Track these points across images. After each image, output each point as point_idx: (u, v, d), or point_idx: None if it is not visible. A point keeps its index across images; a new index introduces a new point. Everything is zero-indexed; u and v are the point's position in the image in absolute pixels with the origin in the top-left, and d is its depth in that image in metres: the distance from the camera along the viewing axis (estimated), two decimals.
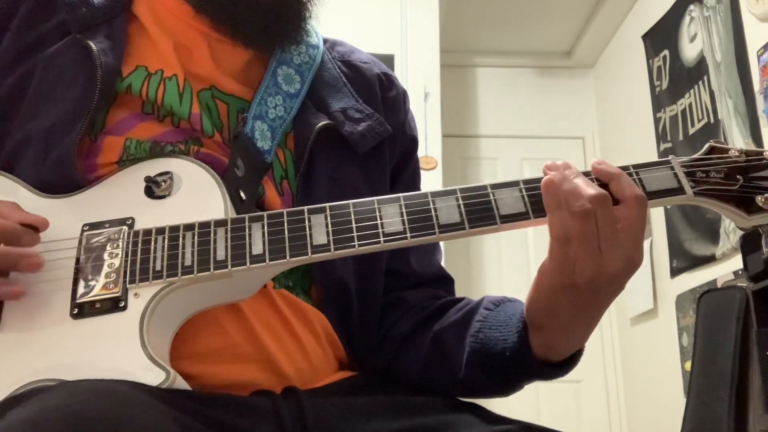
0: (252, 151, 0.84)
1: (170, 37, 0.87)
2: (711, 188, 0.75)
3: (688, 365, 2.87)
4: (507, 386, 0.83)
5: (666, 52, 3.52)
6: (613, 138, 4.23)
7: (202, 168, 0.79)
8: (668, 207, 3.34)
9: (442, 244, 1.03)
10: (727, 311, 2.25)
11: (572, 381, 4.02)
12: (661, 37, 3.58)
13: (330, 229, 0.73)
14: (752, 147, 0.77)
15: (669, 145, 3.45)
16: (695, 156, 0.77)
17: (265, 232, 0.73)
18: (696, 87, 3.23)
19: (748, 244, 2.12)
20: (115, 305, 0.71)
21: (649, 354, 3.66)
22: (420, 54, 3.48)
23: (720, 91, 3.04)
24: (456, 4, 4.00)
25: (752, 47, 2.82)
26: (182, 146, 0.82)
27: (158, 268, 0.72)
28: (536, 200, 0.74)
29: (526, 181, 0.75)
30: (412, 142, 1.02)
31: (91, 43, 0.82)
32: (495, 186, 0.76)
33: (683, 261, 3.26)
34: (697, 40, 3.25)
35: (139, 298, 0.71)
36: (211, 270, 0.71)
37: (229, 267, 0.71)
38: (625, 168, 0.76)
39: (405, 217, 0.74)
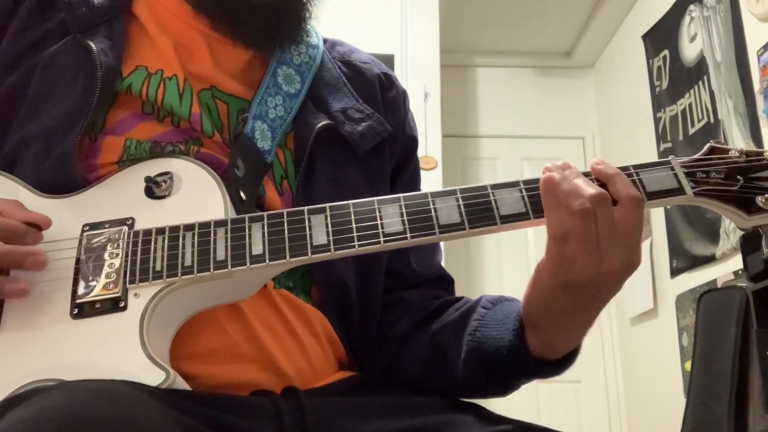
0: (252, 151, 0.84)
1: (170, 37, 0.87)
2: (711, 189, 0.75)
3: (688, 365, 2.87)
4: (505, 385, 0.83)
5: (666, 52, 3.52)
6: (613, 138, 4.23)
7: (202, 168, 0.79)
8: (668, 207, 3.34)
9: (442, 244, 1.03)
10: (727, 311, 2.25)
11: (572, 381, 4.03)
12: (661, 37, 3.58)
13: (330, 229, 0.73)
14: (752, 147, 0.77)
15: (669, 145, 3.45)
16: (695, 156, 0.77)
17: (265, 232, 0.73)
18: (696, 87, 3.23)
19: (748, 244, 2.12)
20: (115, 305, 0.71)
21: (649, 354, 3.66)
22: (420, 54, 3.48)
23: (720, 91, 3.04)
24: (456, 4, 4.00)
25: (752, 47, 2.82)
26: (182, 146, 0.82)
27: (158, 268, 0.72)
28: (536, 200, 0.74)
29: (527, 182, 0.75)
30: (412, 142, 1.02)
31: (91, 43, 0.82)
32: (495, 186, 0.76)
33: (683, 261, 3.26)
34: (697, 40, 3.25)
35: (139, 298, 0.71)
36: (211, 270, 0.71)
37: (229, 267, 0.71)
38: (625, 168, 0.76)
39: (405, 218, 0.74)
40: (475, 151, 4.41)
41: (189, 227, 0.74)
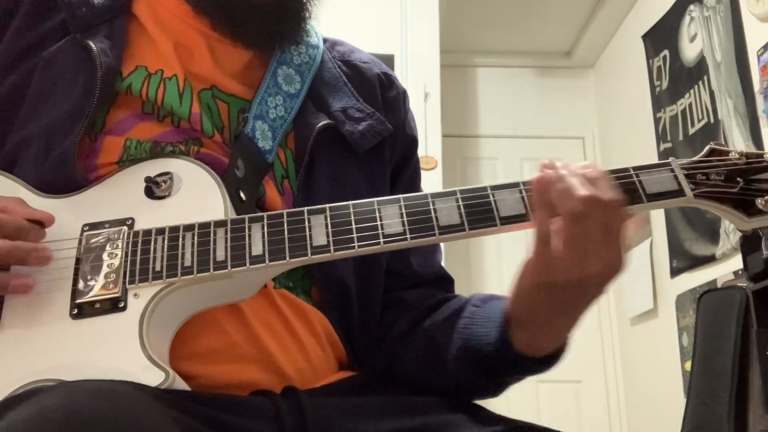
0: (253, 151, 0.84)
1: (170, 37, 0.87)
2: (711, 190, 0.75)
3: (688, 365, 2.87)
4: (494, 383, 0.83)
5: (666, 52, 3.52)
6: (613, 138, 4.23)
7: (202, 168, 0.79)
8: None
9: (442, 244, 1.03)
10: (727, 311, 2.25)
11: (572, 381, 4.02)
12: (661, 37, 3.58)
13: (330, 230, 0.73)
14: (752, 149, 0.77)
15: (669, 145, 3.45)
16: (695, 158, 0.77)
17: (265, 232, 0.73)
18: (696, 87, 3.23)
19: (748, 244, 2.12)
20: (114, 306, 0.71)
21: (649, 354, 3.66)
22: (420, 54, 3.48)
23: (720, 91, 3.04)
24: (456, 4, 4.00)
25: (752, 47, 2.82)
26: (182, 146, 0.82)
27: (158, 268, 0.72)
28: None
29: (527, 183, 0.75)
30: (412, 142, 1.02)
31: (91, 43, 0.82)
32: (495, 187, 0.75)
33: (683, 261, 3.26)
34: (697, 40, 3.25)
35: (139, 298, 0.71)
36: (211, 270, 0.71)
37: (229, 268, 0.71)
38: (625, 170, 0.76)
39: (405, 219, 0.74)
40: (475, 151, 4.41)
41: (189, 227, 0.74)
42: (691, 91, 3.27)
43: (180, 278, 0.71)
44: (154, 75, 0.84)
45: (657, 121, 3.59)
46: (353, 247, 0.72)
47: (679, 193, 0.75)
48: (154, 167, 0.79)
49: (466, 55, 4.47)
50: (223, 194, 0.77)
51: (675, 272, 3.35)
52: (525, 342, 0.76)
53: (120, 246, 0.74)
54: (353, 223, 0.74)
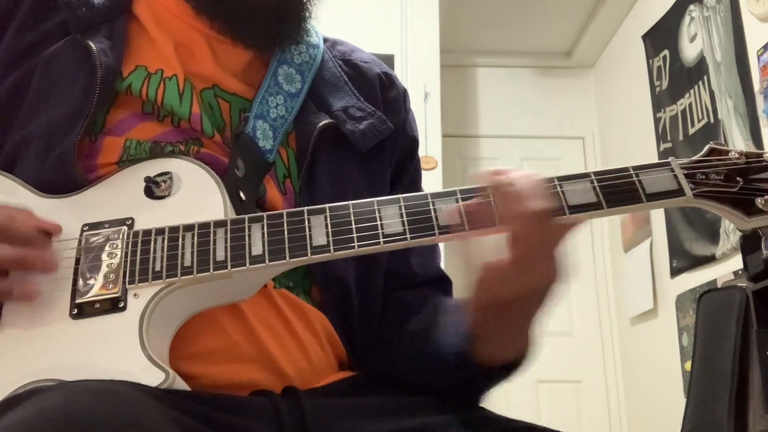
0: (253, 150, 0.84)
1: (171, 37, 0.87)
2: (711, 190, 0.75)
3: (688, 365, 2.87)
4: (467, 390, 0.83)
5: (666, 52, 3.52)
6: (613, 138, 4.23)
7: (202, 168, 0.79)
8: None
9: (440, 244, 1.03)
10: (727, 311, 2.25)
11: (572, 381, 4.03)
12: (661, 37, 3.58)
13: (330, 230, 0.73)
14: (752, 149, 0.77)
15: (669, 145, 3.45)
16: (695, 158, 0.77)
17: (265, 232, 0.73)
18: (696, 87, 3.23)
19: (748, 244, 2.12)
20: (114, 306, 0.71)
21: (649, 354, 3.66)
22: (420, 54, 3.48)
23: (720, 91, 3.04)
24: (456, 4, 4.00)
25: (752, 47, 2.82)
26: (182, 146, 0.82)
27: (158, 268, 0.72)
28: None
29: None
30: (413, 142, 1.02)
31: (91, 44, 0.82)
32: None
33: (683, 261, 3.26)
34: (697, 40, 3.25)
35: (139, 298, 0.71)
36: (211, 271, 0.71)
37: (229, 268, 0.71)
38: (624, 169, 0.76)
39: (405, 218, 0.74)
40: (475, 151, 4.41)
41: (188, 227, 0.74)
42: (691, 91, 3.27)
43: (180, 278, 0.71)
44: (154, 75, 0.84)
45: (657, 121, 3.59)
46: (353, 247, 0.72)
47: (679, 192, 0.75)
48: (153, 167, 0.79)
49: (466, 55, 4.47)
50: (222, 194, 0.77)
51: (675, 272, 3.35)
52: (485, 353, 0.77)
53: (120, 246, 0.74)
54: (353, 223, 0.74)
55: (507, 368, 0.79)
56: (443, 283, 0.97)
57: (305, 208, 0.75)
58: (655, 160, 0.77)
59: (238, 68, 0.90)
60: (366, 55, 1.03)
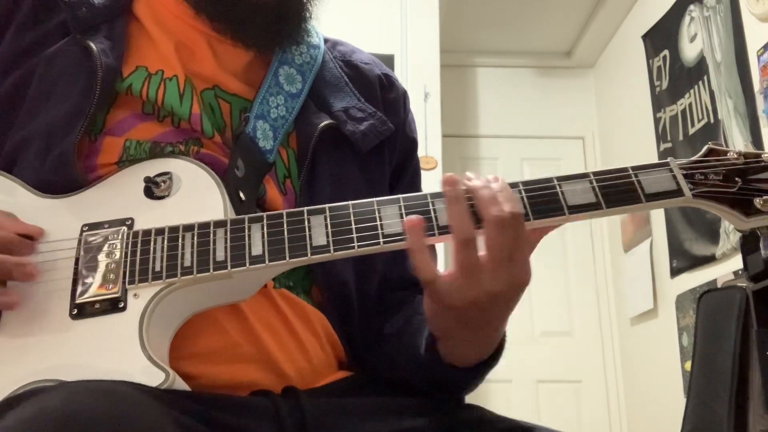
0: (254, 150, 0.84)
1: (171, 37, 0.87)
2: (709, 190, 0.75)
3: (688, 365, 2.87)
4: (443, 390, 0.82)
5: (666, 52, 3.52)
6: (613, 138, 4.23)
7: (202, 168, 0.79)
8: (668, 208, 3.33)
9: (440, 245, 1.03)
10: (727, 311, 2.25)
11: (572, 381, 4.03)
12: (661, 37, 3.58)
13: (329, 230, 0.73)
14: (751, 149, 0.77)
15: (669, 145, 3.45)
16: (694, 158, 0.77)
17: (265, 233, 0.73)
18: (696, 87, 3.23)
19: (748, 244, 2.12)
20: (114, 306, 0.71)
21: (649, 354, 3.66)
22: (420, 54, 3.48)
23: (720, 91, 3.04)
24: (456, 4, 4.00)
25: (752, 47, 2.82)
26: (182, 147, 0.82)
27: (157, 268, 0.72)
28: (536, 202, 0.74)
29: (526, 183, 0.75)
30: (413, 144, 1.02)
31: (92, 44, 0.83)
32: None
33: (683, 261, 3.26)
34: (697, 40, 3.25)
35: (139, 298, 0.71)
36: (211, 271, 0.71)
37: (229, 268, 0.71)
38: (623, 169, 0.76)
39: (405, 219, 0.74)
40: (475, 151, 4.41)
41: (188, 228, 0.74)
42: (691, 91, 3.27)
43: (180, 278, 0.71)
44: (154, 75, 0.84)
45: (657, 121, 3.58)
46: (353, 247, 0.72)
47: (678, 193, 0.75)
48: (153, 167, 0.79)
49: (466, 55, 4.46)
50: (222, 194, 0.77)
51: (675, 272, 3.35)
52: (448, 355, 0.77)
53: (119, 246, 0.74)
54: (353, 223, 0.74)
55: (477, 368, 0.78)
56: None
57: (305, 208, 0.75)
58: (655, 160, 0.77)
59: (238, 68, 0.90)
60: (366, 56, 1.03)
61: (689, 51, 3.31)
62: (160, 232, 0.74)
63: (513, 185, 0.74)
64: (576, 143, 4.44)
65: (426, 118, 3.26)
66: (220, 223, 0.74)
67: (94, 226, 0.76)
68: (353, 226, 0.73)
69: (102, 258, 0.73)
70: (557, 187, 0.74)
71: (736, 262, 2.73)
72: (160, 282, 0.71)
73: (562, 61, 4.57)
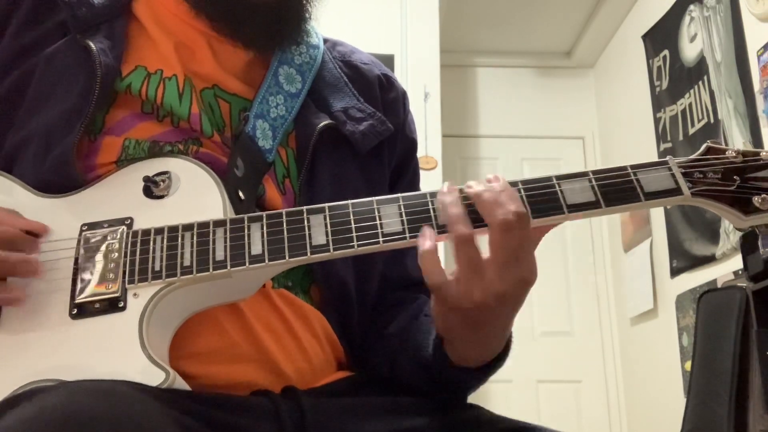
0: (253, 150, 0.84)
1: (171, 37, 0.87)
2: (708, 189, 0.75)
3: (688, 365, 2.87)
4: (446, 391, 0.82)
5: (666, 52, 3.52)
6: (613, 138, 4.23)
7: (201, 168, 0.79)
8: (668, 207, 3.34)
9: (440, 244, 1.03)
10: (727, 311, 2.25)
11: (572, 381, 4.03)
12: (661, 37, 3.58)
13: (329, 229, 0.73)
14: (750, 148, 0.77)
15: (669, 145, 3.45)
16: (692, 156, 0.77)
17: (264, 232, 0.73)
18: (696, 87, 3.23)
19: (748, 244, 2.12)
20: (114, 305, 0.71)
21: (649, 354, 3.66)
22: (420, 54, 3.48)
23: (720, 91, 3.04)
24: (456, 4, 4.00)
25: (752, 47, 2.82)
26: (181, 146, 0.82)
27: (157, 268, 0.72)
28: (535, 200, 0.74)
29: (525, 182, 0.75)
30: (412, 144, 1.02)
31: (91, 43, 0.83)
32: None
33: (683, 261, 3.26)
34: (697, 40, 3.25)
35: (138, 298, 0.71)
36: (210, 270, 0.71)
37: (228, 267, 0.71)
38: (623, 168, 0.76)
39: (404, 218, 0.74)
40: (475, 151, 4.42)
41: (188, 227, 0.74)
42: (691, 91, 3.27)
43: (179, 278, 0.71)
44: (153, 75, 0.84)
45: (657, 121, 3.59)
46: (352, 247, 0.72)
47: (677, 191, 0.75)
48: (152, 166, 0.79)
49: (466, 55, 4.47)
50: (221, 194, 0.77)
51: (675, 272, 3.35)
52: (456, 356, 0.77)
53: (119, 246, 0.74)
54: (352, 222, 0.74)
55: (483, 368, 0.78)
56: None
57: (304, 208, 0.75)
58: (654, 160, 0.77)
59: (238, 68, 0.90)
60: (366, 57, 1.03)
61: (689, 51, 3.32)
62: (159, 231, 0.74)
63: (512, 184, 0.74)
64: (576, 143, 4.45)
65: (426, 118, 3.26)
66: (219, 223, 0.74)
67: (93, 226, 0.76)
68: (353, 226, 0.73)
69: (101, 257, 0.73)
70: (556, 186, 0.74)
71: (736, 262, 2.73)
72: (160, 281, 0.71)
73: (562, 61, 4.57)
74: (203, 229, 0.74)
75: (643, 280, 3.62)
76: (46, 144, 0.80)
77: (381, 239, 0.73)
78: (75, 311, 0.71)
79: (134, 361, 0.67)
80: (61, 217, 0.76)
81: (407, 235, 0.73)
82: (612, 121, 4.26)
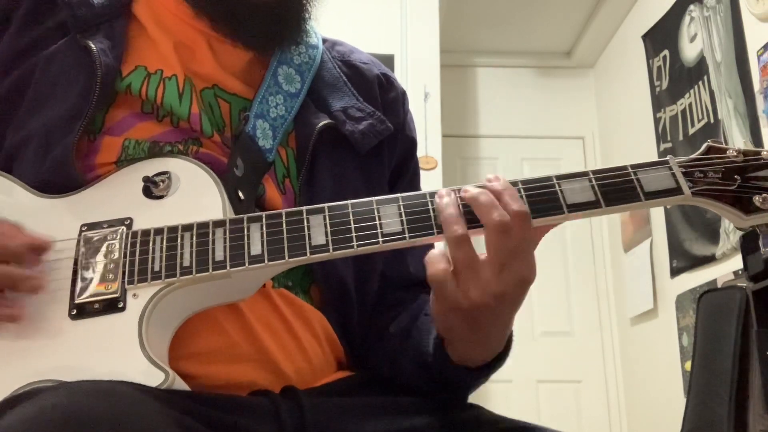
0: (253, 149, 0.84)
1: (170, 37, 0.87)
2: (709, 188, 0.75)
3: (688, 365, 2.87)
4: (446, 390, 0.82)
5: (666, 52, 3.52)
6: (613, 138, 4.23)
7: (201, 168, 0.79)
8: (668, 207, 3.34)
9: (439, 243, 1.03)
10: (727, 311, 2.25)
11: (572, 381, 4.03)
12: (661, 37, 3.58)
13: (329, 229, 0.73)
14: (750, 147, 0.77)
15: (669, 145, 3.45)
16: (693, 156, 0.77)
17: (264, 232, 0.73)
18: (696, 87, 3.23)
19: (748, 244, 2.12)
20: (113, 306, 0.71)
21: (649, 354, 3.66)
22: (420, 54, 3.48)
23: (720, 91, 3.04)
24: (456, 4, 4.00)
25: (752, 47, 2.82)
26: (181, 146, 0.82)
27: (157, 268, 0.72)
28: (535, 200, 0.74)
29: (525, 181, 0.75)
30: (412, 144, 1.02)
31: (91, 43, 0.83)
32: None
33: (683, 261, 3.26)
34: (697, 40, 3.25)
35: (138, 298, 0.71)
36: (210, 270, 0.71)
37: (228, 268, 0.71)
38: (623, 168, 0.76)
39: (404, 218, 0.74)
40: (475, 151, 4.42)
41: (187, 227, 0.74)
42: (691, 91, 3.27)
43: (179, 278, 0.71)
44: (153, 75, 0.84)
45: (657, 121, 3.59)
46: (352, 247, 0.72)
47: (677, 191, 0.75)
48: (152, 167, 0.79)
49: (466, 55, 4.47)
50: (221, 194, 0.77)
51: (675, 272, 3.35)
52: (456, 356, 0.77)
53: (118, 246, 0.74)
54: (352, 222, 0.73)
55: (484, 368, 0.78)
56: None
57: (304, 208, 0.75)
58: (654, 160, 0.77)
59: (237, 68, 0.90)
60: (365, 56, 1.03)
61: (689, 51, 3.32)
62: (159, 231, 0.74)
63: (512, 184, 0.74)
64: (576, 143, 4.45)
65: (426, 118, 3.26)
66: (219, 223, 0.74)
67: (93, 226, 0.76)
68: (352, 226, 0.73)
69: (101, 258, 0.73)
70: (556, 185, 0.74)
71: (736, 262, 2.73)
72: (159, 282, 0.71)
73: (562, 61, 4.57)
74: (203, 230, 0.74)
75: (643, 280, 3.62)
76: (46, 144, 0.80)
77: (381, 239, 0.73)
78: (74, 312, 0.71)
79: (134, 362, 0.67)
80: (61, 218, 0.76)
81: (407, 235, 0.73)
82: (612, 121, 4.26)
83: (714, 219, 2.98)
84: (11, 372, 0.68)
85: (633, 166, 0.76)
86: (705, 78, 3.16)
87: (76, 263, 0.73)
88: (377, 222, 0.73)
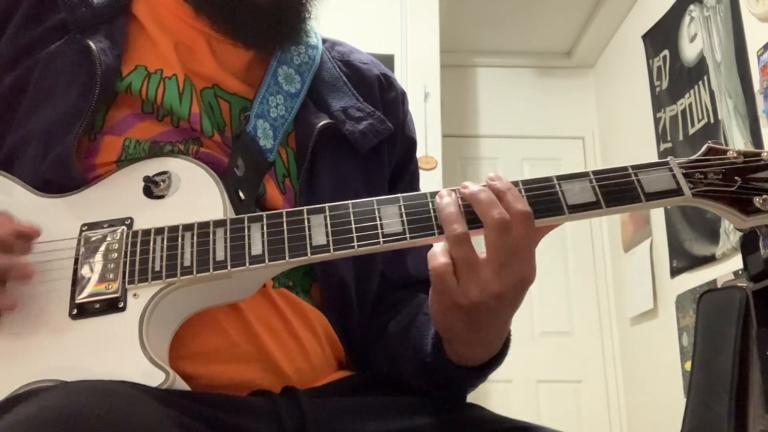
0: (254, 149, 0.84)
1: (170, 37, 0.87)
2: (709, 189, 0.75)
3: (688, 365, 2.87)
4: (445, 389, 0.82)
5: (666, 52, 3.52)
6: (613, 138, 4.23)
7: (201, 168, 0.79)
8: (668, 207, 3.34)
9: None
10: (727, 311, 2.25)
11: (572, 381, 4.03)
12: (661, 37, 3.58)
13: (329, 229, 0.73)
14: (750, 148, 0.77)
15: (669, 145, 3.45)
16: (693, 157, 0.77)
17: (265, 232, 0.73)
18: (696, 87, 3.23)
19: (748, 244, 2.12)
20: (114, 306, 0.71)
21: (649, 354, 3.66)
22: (420, 54, 3.48)
23: (720, 91, 3.04)
24: (456, 4, 4.00)
25: (752, 47, 2.82)
26: (181, 146, 0.82)
27: (157, 268, 0.72)
28: (535, 201, 0.74)
29: (525, 182, 0.75)
30: (411, 144, 1.02)
31: (91, 43, 0.83)
32: None
33: (683, 261, 3.26)
34: (697, 40, 3.25)
35: (138, 298, 0.71)
36: (211, 270, 0.71)
37: (229, 267, 0.71)
38: (623, 169, 0.76)
39: (404, 218, 0.74)
40: (475, 151, 4.41)
41: (188, 227, 0.74)
42: (691, 91, 3.27)
43: (179, 278, 0.71)
44: (153, 74, 0.84)
45: (657, 121, 3.59)
46: (353, 247, 0.72)
47: (678, 192, 0.75)
48: (152, 166, 0.79)
49: (466, 55, 4.46)
50: (221, 193, 0.77)
51: (675, 272, 3.35)
52: (455, 355, 0.77)
53: (119, 246, 0.74)
54: (353, 222, 0.74)
55: (482, 367, 0.79)
56: None
57: (305, 208, 0.75)
58: (655, 160, 0.77)
59: (237, 68, 0.90)
60: (365, 57, 1.03)
61: (689, 51, 3.32)
62: (159, 231, 0.74)
63: (513, 184, 0.75)
64: (576, 143, 4.45)
65: (426, 118, 3.26)
66: (219, 223, 0.74)
67: (93, 226, 0.76)
68: (353, 226, 0.73)
69: (101, 257, 0.73)
70: (557, 186, 0.74)
71: (736, 262, 2.73)
72: (160, 282, 0.71)
73: (562, 61, 4.57)
74: (203, 230, 0.73)
75: (643, 280, 3.62)
76: (46, 143, 0.80)
77: (381, 240, 0.73)
78: (75, 311, 0.71)
79: (134, 362, 0.67)
80: (61, 217, 0.76)
81: (407, 235, 0.73)
82: (612, 121, 4.26)
83: (714, 219, 2.98)
84: (11, 372, 0.67)
85: (633, 167, 0.76)
86: (705, 78, 3.16)
87: (76, 263, 0.73)
88: (378, 222, 0.73)
